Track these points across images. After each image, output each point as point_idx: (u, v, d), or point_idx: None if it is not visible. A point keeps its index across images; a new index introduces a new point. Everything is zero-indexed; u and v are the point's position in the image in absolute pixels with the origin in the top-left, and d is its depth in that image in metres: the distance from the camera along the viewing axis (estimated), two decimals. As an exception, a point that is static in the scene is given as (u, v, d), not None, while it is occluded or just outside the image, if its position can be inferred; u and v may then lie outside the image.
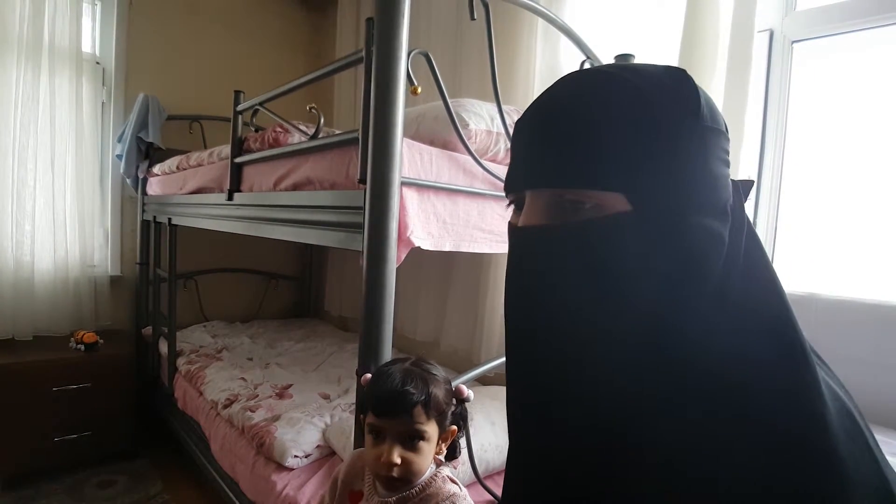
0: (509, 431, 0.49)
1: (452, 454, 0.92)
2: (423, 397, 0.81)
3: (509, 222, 0.49)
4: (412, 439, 0.81)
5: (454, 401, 0.89)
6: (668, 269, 0.38)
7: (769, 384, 0.36)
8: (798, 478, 0.33)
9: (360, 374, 1.00)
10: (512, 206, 0.49)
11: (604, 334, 0.40)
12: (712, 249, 0.39)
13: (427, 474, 0.85)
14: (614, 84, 0.40)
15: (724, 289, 0.39)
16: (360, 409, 0.98)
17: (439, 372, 0.89)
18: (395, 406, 0.80)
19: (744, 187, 0.43)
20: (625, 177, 0.39)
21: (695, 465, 0.36)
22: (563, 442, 0.43)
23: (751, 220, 0.42)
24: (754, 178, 1.55)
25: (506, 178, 0.48)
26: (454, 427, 0.88)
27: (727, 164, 0.42)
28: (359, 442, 0.99)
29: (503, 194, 0.50)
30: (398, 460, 0.79)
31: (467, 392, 0.91)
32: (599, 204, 0.40)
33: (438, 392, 0.83)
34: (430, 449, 0.83)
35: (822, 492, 0.33)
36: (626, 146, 0.39)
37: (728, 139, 0.42)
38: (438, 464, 0.88)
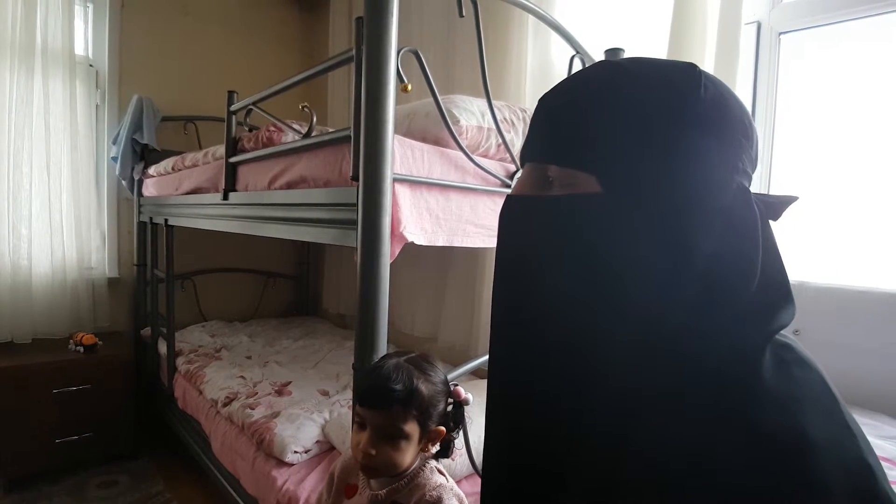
0: (487, 407, 0.50)
1: (444, 453, 0.91)
2: (402, 396, 0.80)
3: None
4: (391, 436, 0.81)
5: (447, 402, 0.88)
6: (623, 258, 0.39)
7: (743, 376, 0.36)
8: (779, 484, 0.33)
9: (356, 369, 1.02)
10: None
11: (558, 305, 0.42)
12: (679, 255, 0.38)
13: (415, 465, 0.86)
14: (619, 76, 0.42)
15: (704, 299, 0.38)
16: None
17: (436, 372, 0.87)
18: (375, 400, 0.82)
19: (776, 204, 0.42)
20: (600, 160, 0.41)
21: (639, 450, 0.38)
22: (521, 414, 0.46)
23: (775, 236, 0.40)
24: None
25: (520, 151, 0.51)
26: (441, 428, 0.87)
27: (737, 170, 0.40)
28: (356, 435, 1.01)
29: (495, 189, 0.52)
30: (372, 451, 0.80)
31: (465, 395, 0.89)
32: (572, 183, 0.42)
33: (424, 392, 0.82)
34: (409, 447, 0.83)
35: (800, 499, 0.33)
36: (608, 132, 0.40)
37: (742, 146, 0.40)
38: (428, 457, 0.88)
